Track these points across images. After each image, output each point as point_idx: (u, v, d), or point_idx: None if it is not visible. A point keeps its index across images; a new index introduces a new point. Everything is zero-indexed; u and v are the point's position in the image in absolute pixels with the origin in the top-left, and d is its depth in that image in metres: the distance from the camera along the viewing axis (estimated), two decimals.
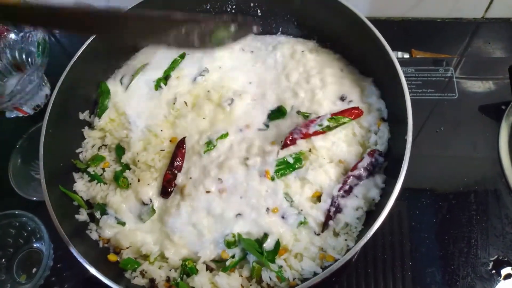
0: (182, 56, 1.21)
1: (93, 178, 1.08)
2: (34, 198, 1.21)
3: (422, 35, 1.44)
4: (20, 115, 1.38)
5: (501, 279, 1.02)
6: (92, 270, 0.86)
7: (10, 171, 1.26)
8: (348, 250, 0.84)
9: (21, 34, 1.34)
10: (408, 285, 1.03)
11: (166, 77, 1.18)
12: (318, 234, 0.95)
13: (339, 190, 0.95)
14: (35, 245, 1.18)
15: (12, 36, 1.35)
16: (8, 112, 1.38)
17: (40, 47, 1.25)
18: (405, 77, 0.94)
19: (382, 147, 0.99)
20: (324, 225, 0.94)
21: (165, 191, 1.03)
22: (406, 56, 1.37)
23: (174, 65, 1.20)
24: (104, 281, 0.85)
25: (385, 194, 0.93)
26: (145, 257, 0.99)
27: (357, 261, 1.07)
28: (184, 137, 1.08)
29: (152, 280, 0.94)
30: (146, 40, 0.88)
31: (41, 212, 1.12)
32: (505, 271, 1.03)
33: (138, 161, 1.06)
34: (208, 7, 1.23)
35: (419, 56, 1.37)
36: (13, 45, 1.36)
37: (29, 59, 1.36)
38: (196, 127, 1.10)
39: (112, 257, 0.99)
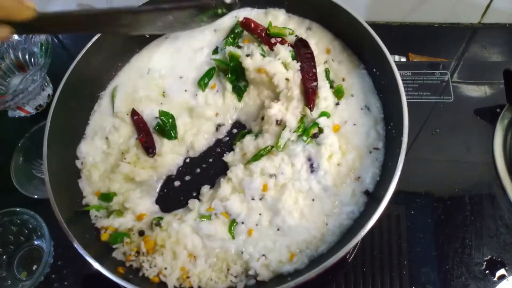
0: None
1: None
2: (36, 196, 1.22)
3: (420, 40, 1.46)
4: (22, 114, 1.40)
5: (495, 279, 1.04)
6: (96, 265, 0.87)
7: (12, 170, 1.27)
8: None
9: (24, 35, 1.35)
10: (405, 284, 1.04)
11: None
12: None
13: None
14: (35, 243, 1.19)
15: (16, 37, 1.37)
16: (11, 111, 1.40)
17: (43, 47, 1.27)
18: (401, 80, 0.96)
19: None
20: None
21: (147, 151, 1.10)
22: (403, 59, 1.39)
23: None
24: (112, 278, 0.86)
25: (379, 196, 0.94)
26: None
27: (354, 260, 1.08)
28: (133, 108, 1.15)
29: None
30: (139, 30, 1.07)
31: (42, 210, 1.13)
32: (499, 272, 1.04)
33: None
34: None
35: (416, 60, 1.39)
36: (16, 46, 1.38)
37: (32, 60, 1.38)
38: None
39: (104, 236, 1.00)
